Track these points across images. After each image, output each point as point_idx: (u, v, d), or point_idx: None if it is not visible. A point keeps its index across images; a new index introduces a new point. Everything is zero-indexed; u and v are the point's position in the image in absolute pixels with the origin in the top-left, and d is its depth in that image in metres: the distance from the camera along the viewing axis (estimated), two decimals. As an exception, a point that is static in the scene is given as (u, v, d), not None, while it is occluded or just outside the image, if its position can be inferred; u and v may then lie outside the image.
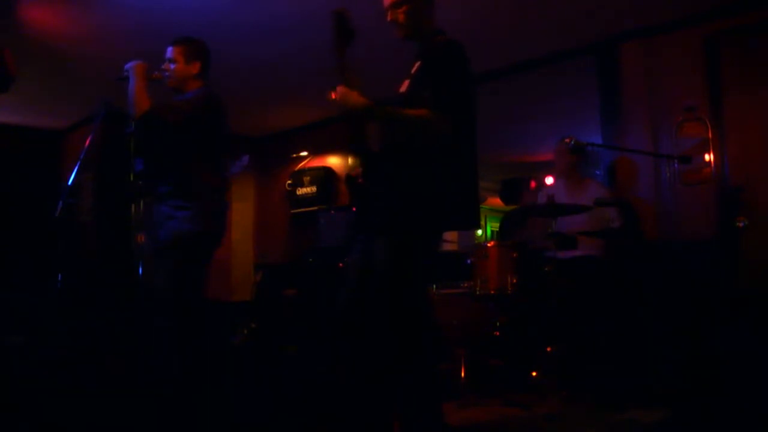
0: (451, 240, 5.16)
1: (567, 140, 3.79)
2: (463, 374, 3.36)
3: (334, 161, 6.84)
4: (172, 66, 3.04)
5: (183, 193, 2.92)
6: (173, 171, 2.96)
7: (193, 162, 2.94)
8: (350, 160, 2.34)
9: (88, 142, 3.17)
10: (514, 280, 3.62)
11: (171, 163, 2.96)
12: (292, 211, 7.01)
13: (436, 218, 2.21)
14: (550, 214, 3.70)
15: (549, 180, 6.32)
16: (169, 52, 3.07)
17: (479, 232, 7.85)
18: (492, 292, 3.65)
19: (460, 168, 2.21)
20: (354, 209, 2.32)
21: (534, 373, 3.49)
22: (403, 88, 2.32)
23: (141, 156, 3.05)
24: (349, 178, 2.31)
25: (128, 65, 2.97)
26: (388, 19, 2.33)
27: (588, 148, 4.05)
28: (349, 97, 2.13)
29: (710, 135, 4.08)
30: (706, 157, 4.08)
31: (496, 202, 7.79)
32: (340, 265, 5.12)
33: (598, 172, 4.72)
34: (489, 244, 3.78)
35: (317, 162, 6.93)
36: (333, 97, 2.13)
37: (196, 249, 2.94)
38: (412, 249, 2.16)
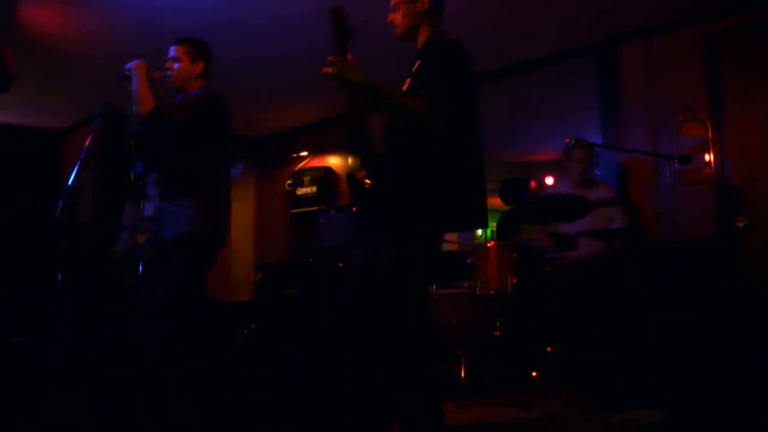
0: (451, 240, 5.16)
1: (567, 140, 3.79)
2: (463, 374, 3.36)
3: (334, 161, 6.83)
4: (176, 65, 3.05)
5: (186, 192, 2.92)
6: (177, 170, 2.96)
7: (196, 161, 2.94)
8: (350, 160, 2.32)
9: (88, 142, 3.17)
10: (514, 280, 3.62)
11: (175, 162, 2.97)
12: (292, 211, 7.00)
13: (439, 218, 2.21)
14: (549, 214, 3.71)
15: (549, 180, 6.32)
16: (173, 50, 3.07)
17: (479, 232, 7.85)
18: (492, 292, 3.65)
19: (464, 167, 2.20)
20: (355, 209, 2.31)
21: (534, 373, 3.50)
22: (405, 87, 2.32)
23: (143, 156, 3.05)
24: (352, 177, 2.30)
25: (129, 65, 2.98)
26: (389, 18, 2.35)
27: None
28: (350, 70, 2.02)
29: (710, 135, 4.08)
30: (706, 157, 4.08)
31: (496, 202, 7.79)
32: (340, 265, 5.11)
33: (598, 172, 4.72)
34: (489, 244, 3.78)
35: (317, 162, 6.92)
36: (329, 71, 2.00)
37: (201, 249, 2.94)
38: (415, 249, 2.16)
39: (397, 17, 2.34)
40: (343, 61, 2.03)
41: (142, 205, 2.88)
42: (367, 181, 2.26)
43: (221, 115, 3.02)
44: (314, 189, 6.80)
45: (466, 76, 2.21)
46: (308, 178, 6.88)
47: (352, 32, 2.08)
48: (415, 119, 2.11)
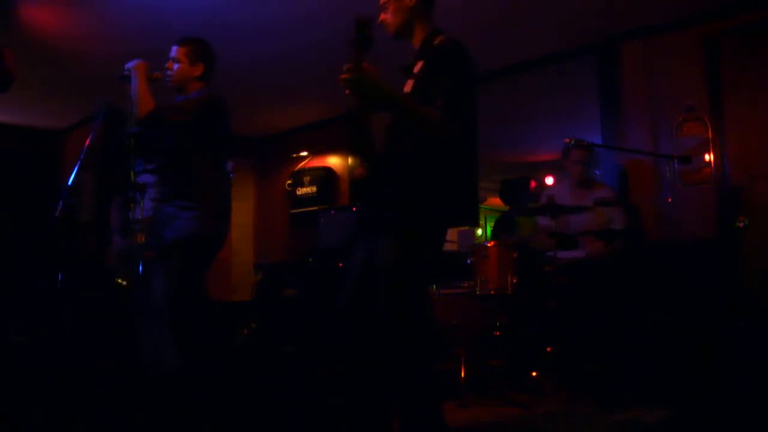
0: (451, 240, 5.16)
1: (567, 140, 3.79)
2: (463, 374, 3.36)
3: (334, 161, 6.83)
4: (176, 66, 3.04)
5: (187, 193, 2.92)
6: (177, 171, 2.96)
7: (196, 162, 2.94)
8: (350, 160, 2.31)
9: (88, 142, 3.16)
10: (514, 280, 3.62)
11: (175, 162, 2.96)
12: (292, 211, 7.00)
13: (441, 219, 2.21)
14: (549, 215, 3.70)
15: (549, 180, 6.32)
16: (174, 51, 3.06)
17: (479, 232, 7.85)
18: (492, 292, 3.65)
19: (463, 166, 2.21)
20: (355, 209, 2.31)
21: (534, 373, 3.50)
22: (408, 87, 2.31)
23: (143, 156, 3.05)
24: (355, 178, 2.30)
25: (129, 64, 2.97)
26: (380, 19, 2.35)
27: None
28: (366, 78, 2.05)
29: (710, 135, 4.08)
30: (706, 157, 4.08)
31: (496, 202, 7.79)
32: (340, 265, 5.11)
33: (597, 172, 4.72)
34: (489, 244, 3.78)
35: (317, 162, 6.93)
36: (345, 78, 2.01)
37: (201, 250, 2.93)
38: (416, 249, 2.16)
39: (388, 16, 2.34)
40: (359, 70, 2.04)
41: (133, 206, 2.86)
42: (367, 180, 2.25)
43: (221, 116, 3.02)
44: (314, 189, 6.81)
45: (470, 79, 2.22)
46: (308, 178, 6.89)
47: (372, 43, 2.08)
48: (431, 129, 2.11)
